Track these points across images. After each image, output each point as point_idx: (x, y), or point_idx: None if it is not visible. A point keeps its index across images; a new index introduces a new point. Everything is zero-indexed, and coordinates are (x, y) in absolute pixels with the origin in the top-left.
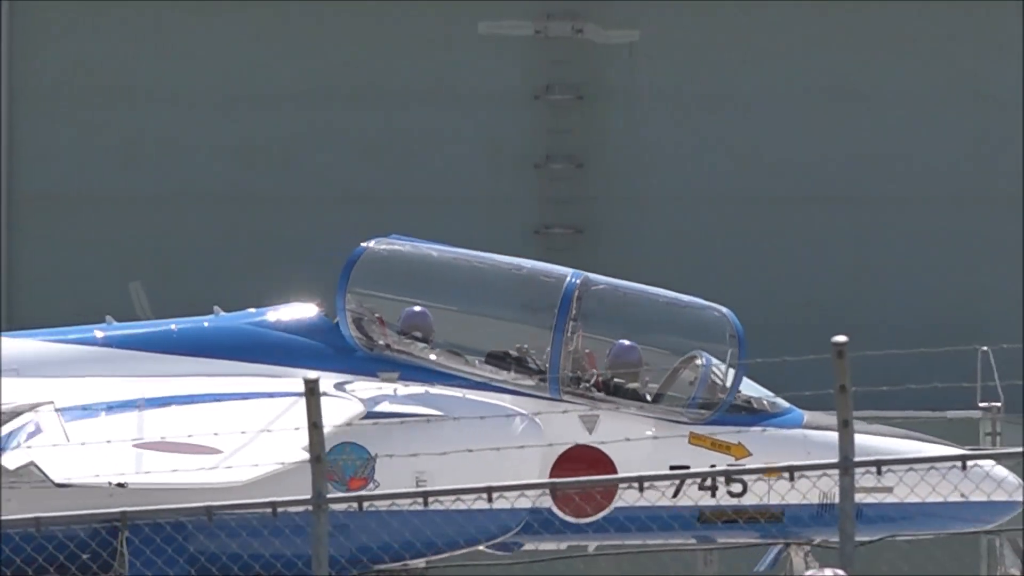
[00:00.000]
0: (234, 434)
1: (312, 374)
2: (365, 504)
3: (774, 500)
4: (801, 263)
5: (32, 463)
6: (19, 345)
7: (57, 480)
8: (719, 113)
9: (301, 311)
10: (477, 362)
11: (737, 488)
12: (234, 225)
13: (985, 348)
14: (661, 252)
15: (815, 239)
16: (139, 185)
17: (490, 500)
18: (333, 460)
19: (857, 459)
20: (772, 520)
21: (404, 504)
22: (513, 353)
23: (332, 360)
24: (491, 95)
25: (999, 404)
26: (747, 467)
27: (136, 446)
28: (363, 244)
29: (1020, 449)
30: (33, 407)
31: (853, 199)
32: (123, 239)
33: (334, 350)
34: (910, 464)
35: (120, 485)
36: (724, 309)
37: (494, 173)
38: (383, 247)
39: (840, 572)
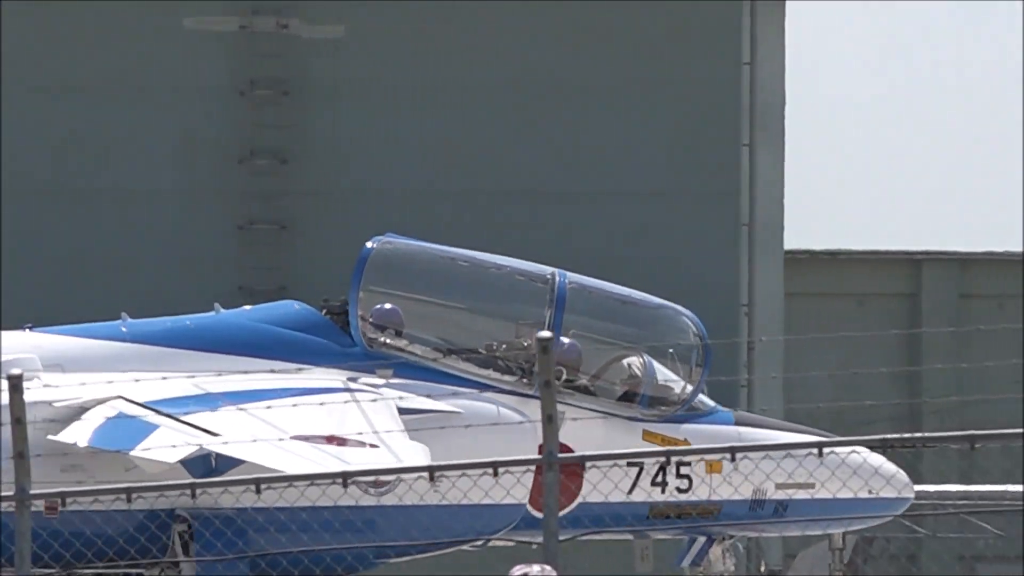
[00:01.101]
0: (364, 430)
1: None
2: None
3: (713, 496)
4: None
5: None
6: (56, 341)
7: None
8: (423, 108)
9: (294, 307)
10: (471, 360)
11: (684, 484)
12: None
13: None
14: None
15: (520, 234)
16: None
17: (496, 475)
18: None
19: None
20: (708, 515)
21: (421, 496)
22: (502, 350)
23: (335, 356)
24: (196, 90)
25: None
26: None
27: (311, 442)
28: (369, 243)
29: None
30: (100, 402)
31: (557, 194)
32: None
33: (338, 345)
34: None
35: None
36: (689, 312)
37: (198, 168)
38: (391, 245)
39: (548, 568)
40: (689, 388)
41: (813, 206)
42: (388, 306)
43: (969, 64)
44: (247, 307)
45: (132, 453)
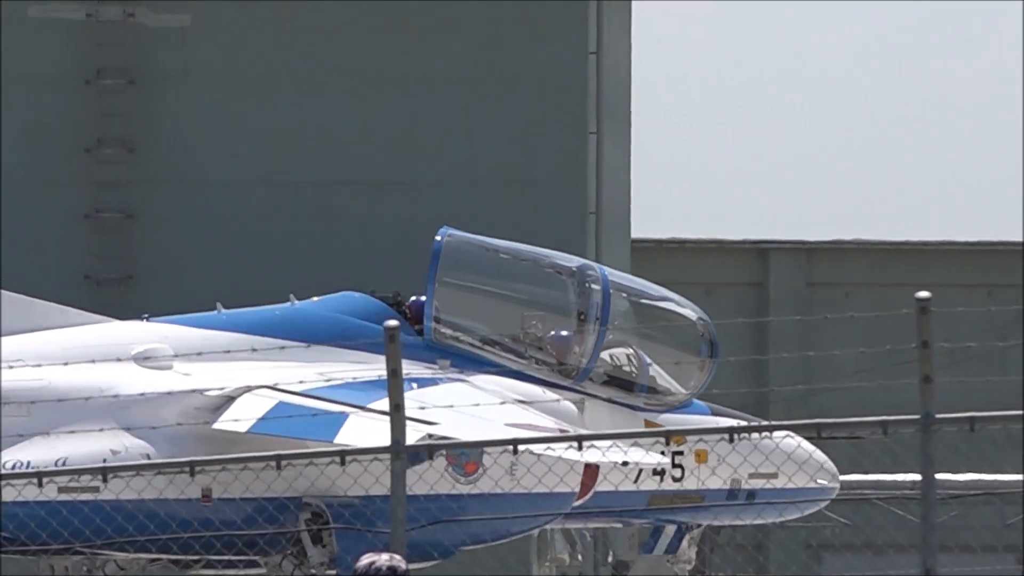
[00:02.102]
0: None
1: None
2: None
3: (695, 485)
4: (348, 246)
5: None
6: (173, 330)
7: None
8: (269, 97)
9: (356, 297)
10: (523, 352)
11: (678, 473)
12: None
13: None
14: (212, 236)
15: (362, 222)
16: None
17: (580, 448)
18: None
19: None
20: (695, 504)
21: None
22: (547, 342)
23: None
24: (42, 79)
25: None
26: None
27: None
28: (438, 237)
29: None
30: (248, 390)
31: (402, 183)
32: None
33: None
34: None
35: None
36: (702, 312)
37: (45, 157)
38: (456, 238)
39: (397, 557)
40: (694, 380)
41: (660, 195)
42: (422, 298)
43: (812, 55)
44: (315, 298)
45: (337, 440)
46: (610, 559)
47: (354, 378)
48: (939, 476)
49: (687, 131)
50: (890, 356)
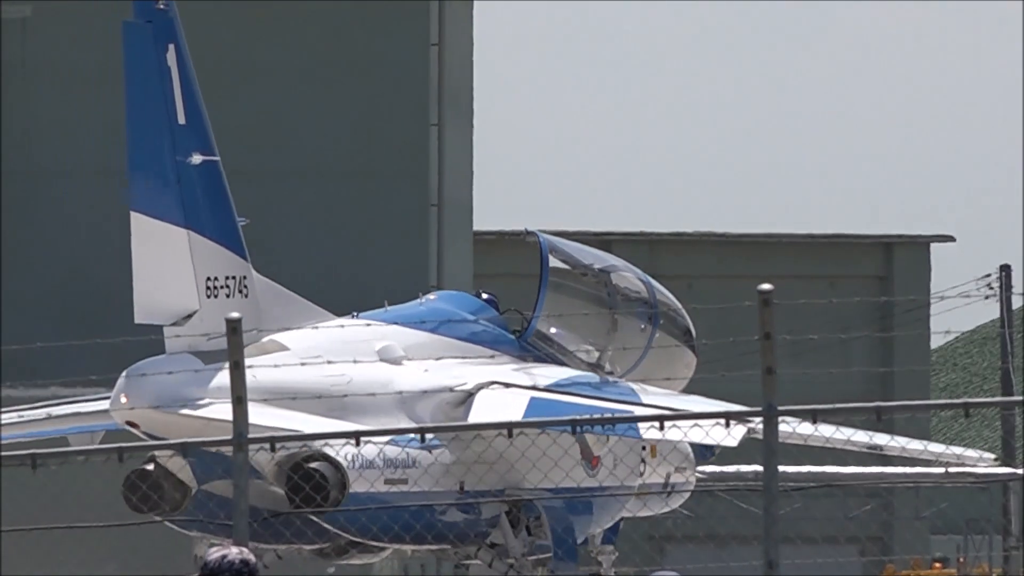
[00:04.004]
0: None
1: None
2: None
3: (650, 479)
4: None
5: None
6: (403, 332)
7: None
8: (112, 88)
9: (471, 299)
10: (587, 351)
11: (642, 468)
12: None
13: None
14: (54, 227)
15: None
16: None
17: (661, 428)
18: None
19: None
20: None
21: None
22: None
23: (508, 344)
24: None
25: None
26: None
27: None
28: (539, 239)
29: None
30: (488, 385)
31: (244, 172)
32: None
33: (509, 333)
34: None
35: None
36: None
37: None
38: (551, 241)
39: (245, 550)
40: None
41: (503, 188)
42: (485, 296)
43: (657, 47)
44: (431, 296)
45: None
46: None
47: (549, 375)
48: (781, 468)
49: (531, 124)
50: (733, 348)
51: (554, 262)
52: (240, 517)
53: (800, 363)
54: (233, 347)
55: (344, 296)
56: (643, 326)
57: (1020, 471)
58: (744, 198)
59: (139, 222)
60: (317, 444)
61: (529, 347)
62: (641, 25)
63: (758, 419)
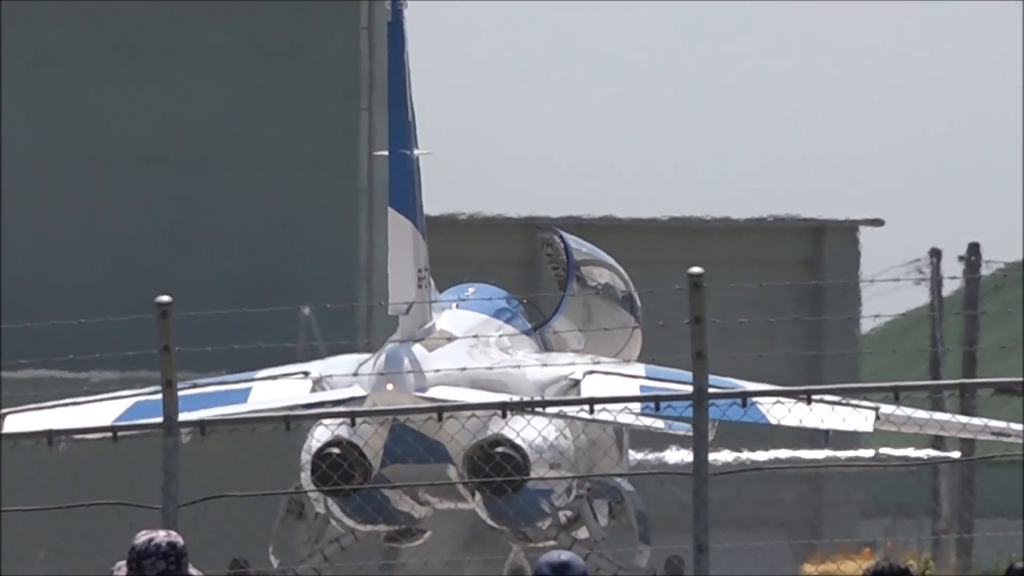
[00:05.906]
0: None
1: None
2: None
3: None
4: (118, 223)
5: None
6: (493, 322)
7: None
8: (36, 71)
9: (500, 291)
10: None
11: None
12: None
13: (307, 309)
14: None
15: (132, 198)
16: None
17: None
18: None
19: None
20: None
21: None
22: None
23: (531, 335)
24: None
25: None
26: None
27: None
28: (559, 237)
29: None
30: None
31: (172, 159)
32: None
33: (529, 324)
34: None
35: None
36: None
37: None
38: (568, 237)
39: (173, 533)
40: None
41: (434, 172)
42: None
43: (584, 28)
44: (470, 289)
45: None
46: None
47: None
48: (712, 454)
49: (461, 107)
50: (663, 332)
51: (579, 257)
52: (169, 502)
53: (729, 347)
54: (163, 331)
55: (273, 282)
56: (627, 313)
57: (953, 454)
58: (673, 182)
59: (395, 220)
60: (495, 429)
61: (542, 338)
62: (570, 7)
63: (768, 402)
